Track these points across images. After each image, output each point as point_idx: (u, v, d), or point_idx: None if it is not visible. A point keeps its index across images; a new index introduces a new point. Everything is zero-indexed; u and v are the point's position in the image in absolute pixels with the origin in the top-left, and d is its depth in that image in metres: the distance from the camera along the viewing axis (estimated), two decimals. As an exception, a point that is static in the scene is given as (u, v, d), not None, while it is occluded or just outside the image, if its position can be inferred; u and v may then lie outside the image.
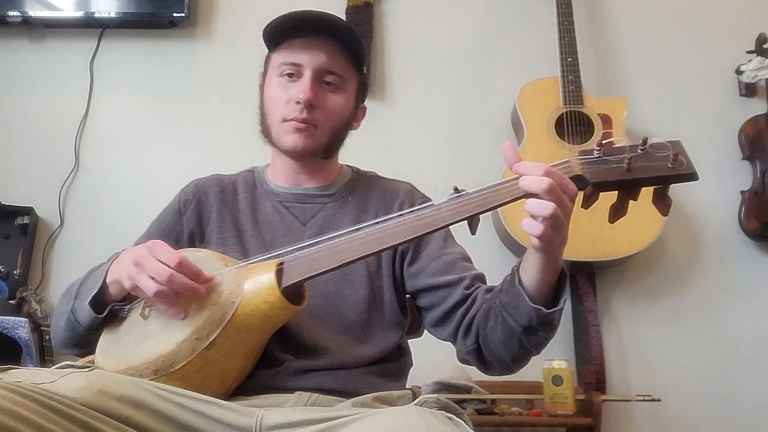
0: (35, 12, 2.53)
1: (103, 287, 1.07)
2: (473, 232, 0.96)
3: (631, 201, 0.95)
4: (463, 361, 1.20)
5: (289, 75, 1.21)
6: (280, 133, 1.22)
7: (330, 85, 1.22)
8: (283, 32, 1.22)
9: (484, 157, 2.40)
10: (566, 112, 2.27)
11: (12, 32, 2.59)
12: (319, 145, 1.22)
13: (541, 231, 0.91)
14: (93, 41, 2.58)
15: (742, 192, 2.36)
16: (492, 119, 2.48)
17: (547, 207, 0.89)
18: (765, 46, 2.37)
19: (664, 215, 0.97)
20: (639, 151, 0.93)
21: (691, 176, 0.93)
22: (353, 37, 1.23)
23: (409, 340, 1.27)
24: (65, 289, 1.18)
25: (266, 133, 1.25)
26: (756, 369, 2.26)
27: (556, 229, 0.92)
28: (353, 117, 1.29)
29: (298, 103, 1.18)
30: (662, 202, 0.95)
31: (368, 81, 1.32)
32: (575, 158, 0.96)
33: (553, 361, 1.94)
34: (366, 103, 1.34)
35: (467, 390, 1.99)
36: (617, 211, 0.96)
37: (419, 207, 1.00)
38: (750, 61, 2.39)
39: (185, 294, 0.98)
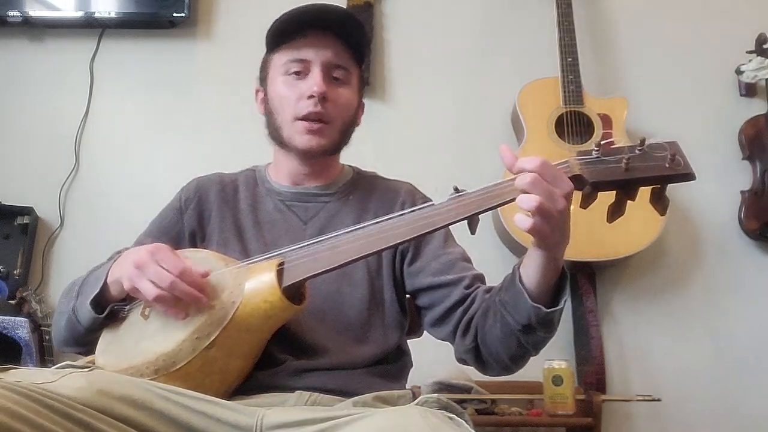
0: (35, 12, 2.53)
1: (104, 287, 1.06)
2: (473, 232, 0.96)
3: (629, 201, 0.95)
4: (461, 360, 1.20)
5: (297, 73, 1.21)
6: (292, 132, 1.21)
7: (338, 80, 1.22)
8: (288, 31, 1.21)
9: (484, 157, 2.40)
10: (566, 112, 2.27)
11: (12, 32, 2.59)
12: (332, 142, 1.22)
13: (530, 225, 0.91)
14: (93, 41, 2.58)
15: (742, 192, 2.36)
16: (492, 119, 2.48)
17: (532, 200, 0.89)
18: (765, 46, 2.37)
19: (662, 215, 0.98)
20: (637, 151, 0.94)
21: (688, 176, 0.93)
22: (358, 29, 1.23)
23: (408, 341, 1.27)
24: (66, 288, 1.18)
25: (276, 134, 1.24)
26: (756, 368, 2.27)
27: (547, 222, 0.91)
28: (358, 112, 1.29)
29: (311, 97, 1.18)
30: (660, 202, 0.95)
31: (365, 76, 1.32)
32: (574, 158, 0.96)
33: (553, 361, 1.94)
34: (366, 102, 1.34)
35: (467, 390, 1.99)
36: (615, 211, 0.96)
37: (419, 207, 1.00)
38: (750, 61, 2.39)
39: (186, 300, 0.98)
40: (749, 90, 2.45)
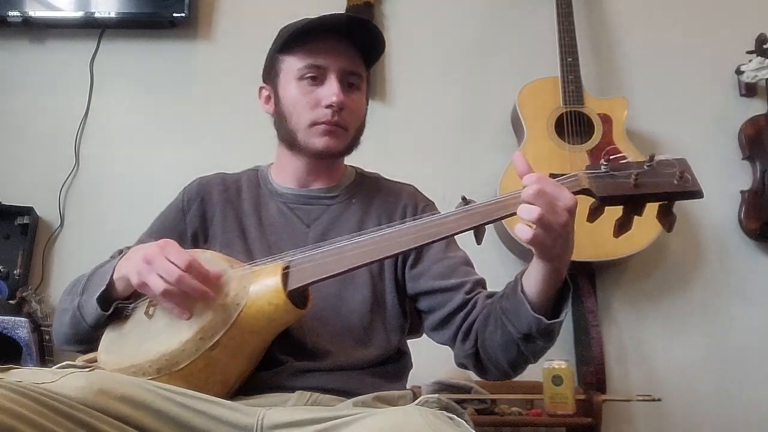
0: (35, 12, 2.53)
1: (110, 283, 1.06)
2: (479, 242, 0.97)
3: (636, 216, 0.97)
4: (460, 365, 1.21)
5: (312, 78, 1.20)
6: (308, 136, 1.21)
7: (352, 86, 1.22)
8: (304, 35, 1.21)
9: (484, 157, 2.40)
10: (566, 112, 2.27)
11: (12, 32, 2.59)
12: (346, 145, 1.23)
13: (530, 236, 0.92)
14: (93, 41, 2.58)
15: (742, 192, 2.36)
16: (492, 119, 2.48)
17: (533, 211, 0.90)
18: (765, 46, 2.37)
19: (668, 231, 0.99)
20: (646, 167, 0.95)
21: (696, 193, 0.94)
22: (375, 36, 1.23)
23: (408, 341, 1.27)
24: (69, 284, 1.17)
25: (289, 137, 1.23)
26: (756, 368, 2.27)
27: (548, 234, 0.92)
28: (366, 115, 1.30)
29: (329, 106, 1.18)
30: (667, 219, 0.97)
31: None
32: (583, 172, 0.97)
33: (553, 361, 1.94)
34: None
35: (467, 390, 1.99)
36: (622, 227, 0.98)
37: (427, 215, 1.01)
38: (750, 61, 2.39)
39: (193, 295, 0.97)
40: (749, 90, 2.45)
